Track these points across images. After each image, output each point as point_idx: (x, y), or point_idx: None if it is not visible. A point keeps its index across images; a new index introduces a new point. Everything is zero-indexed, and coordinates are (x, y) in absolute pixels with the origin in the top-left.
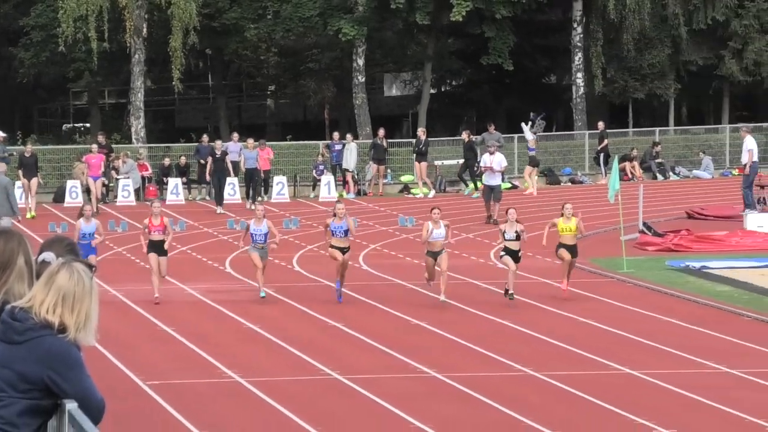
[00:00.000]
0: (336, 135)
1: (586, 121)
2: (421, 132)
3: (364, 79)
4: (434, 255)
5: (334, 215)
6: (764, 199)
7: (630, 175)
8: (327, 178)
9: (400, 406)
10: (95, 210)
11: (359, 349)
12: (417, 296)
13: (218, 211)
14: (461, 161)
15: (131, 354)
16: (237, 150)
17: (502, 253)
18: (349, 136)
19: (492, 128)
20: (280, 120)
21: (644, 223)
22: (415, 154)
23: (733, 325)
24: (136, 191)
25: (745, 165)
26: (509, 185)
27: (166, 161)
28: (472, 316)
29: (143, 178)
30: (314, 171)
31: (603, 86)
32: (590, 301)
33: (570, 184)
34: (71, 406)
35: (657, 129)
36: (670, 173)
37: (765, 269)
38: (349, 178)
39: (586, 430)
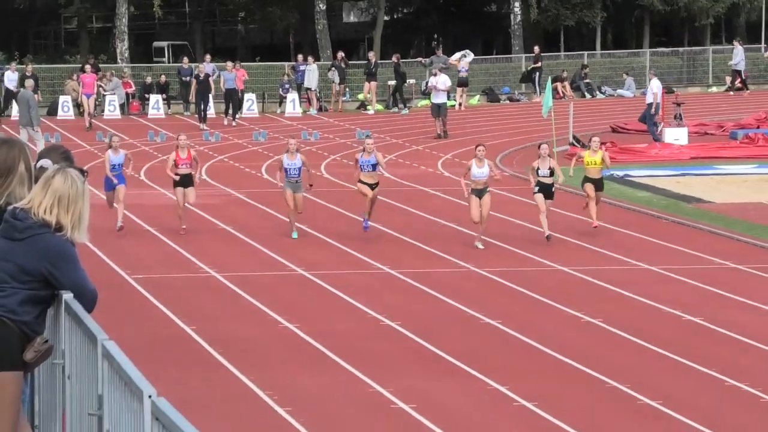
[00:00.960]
0: (300, 57)
1: (522, 46)
2: (371, 55)
3: (324, 7)
4: (478, 193)
5: (363, 150)
6: (680, 114)
7: (561, 94)
8: (292, 96)
9: (357, 298)
10: (88, 125)
11: (321, 248)
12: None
13: (201, 128)
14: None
15: (118, 251)
16: (210, 70)
17: (535, 189)
18: (310, 59)
19: (439, 52)
20: (250, 43)
21: (574, 137)
22: (366, 75)
23: (652, 226)
24: (121, 106)
25: (650, 104)
26: (453, 103)
27: (148, 79)
28: (420, 218)
29: (127, 94)
30: (280, 89)
31: (538, 14)
32: (524, 205)
33: (508, 102)
34: (67, 296)
35: (585, 53)
36: (597, 92)
37: (680, 177)
38: (312, 95)
39: (523, 319)
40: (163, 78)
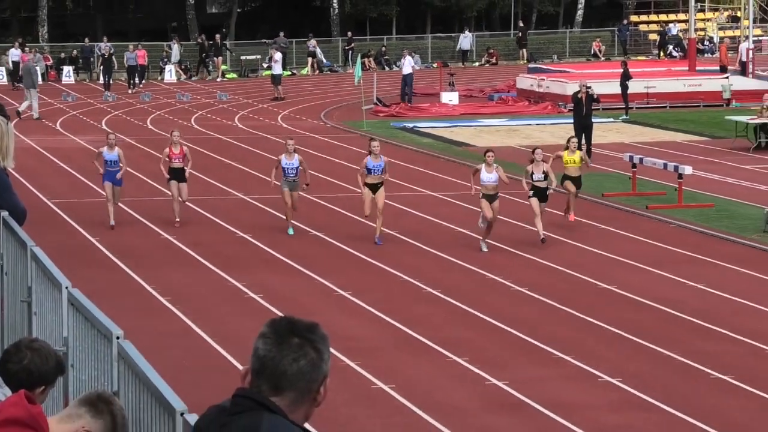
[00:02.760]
0: (174, 39)
1: (339, 31)
2: (218, 38)
3: (194, 1)
4: (489, 198)
5: (370, 153)
6: (453, 82)
7: (368, 67)
8: (169, 68)
9: (219, 217)
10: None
11: (193, 181)
12: (226, 145)
13: (106, 94)
14: (250, 56)
15: (39, 181)
16: (108, 48)
17: (530, 193)
18: (176, 40)
19: (282, 35)
20: (140, 28)
21: (377, 98)
22: (214, 53)
23: (433, 164)
24: (42, 75)
25: (407, 75)
26: (289, 73)
27: (62, 54)
28: (263, 157)
29: (47, 65)
30: (161, 62)
31: (350, 8)
32: (340, 149)
33: (329, 72)
34: (4, 214)
35: (385, 37)
36: (393, 66)
37: (453, 128)
38: (181, 67)
39: (341, 231)
40: (74, 53)
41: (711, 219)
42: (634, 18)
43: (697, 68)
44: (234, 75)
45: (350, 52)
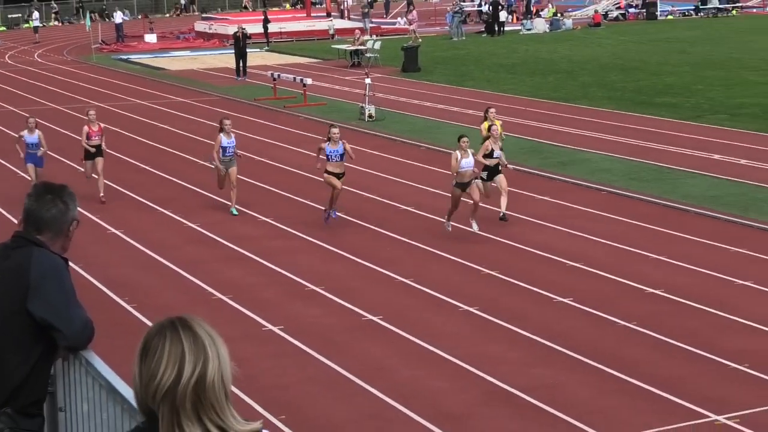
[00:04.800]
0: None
1: None
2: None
3: None
4: (463, 186)
5: (329, 139)
6: (152, 28)
7: (94, 19)
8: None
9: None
10: None
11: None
12: (1, 76)
13: None
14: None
15: None
16: None
17: (483, 175)
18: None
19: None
20: None
21: (102, 40)
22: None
23: (140, 82)
24: None
25: (118, 24)
26: (42, 25)
27: None
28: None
29: None
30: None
31: None
32: (76, 74)
33: (68, 23)
34: None
35: None
36: (111, 18)
37: (154, 58)
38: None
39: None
40: None
41: (325, 112)
42: None
43: (312, 15)
44: (3, 27)
45: (81, 9)
